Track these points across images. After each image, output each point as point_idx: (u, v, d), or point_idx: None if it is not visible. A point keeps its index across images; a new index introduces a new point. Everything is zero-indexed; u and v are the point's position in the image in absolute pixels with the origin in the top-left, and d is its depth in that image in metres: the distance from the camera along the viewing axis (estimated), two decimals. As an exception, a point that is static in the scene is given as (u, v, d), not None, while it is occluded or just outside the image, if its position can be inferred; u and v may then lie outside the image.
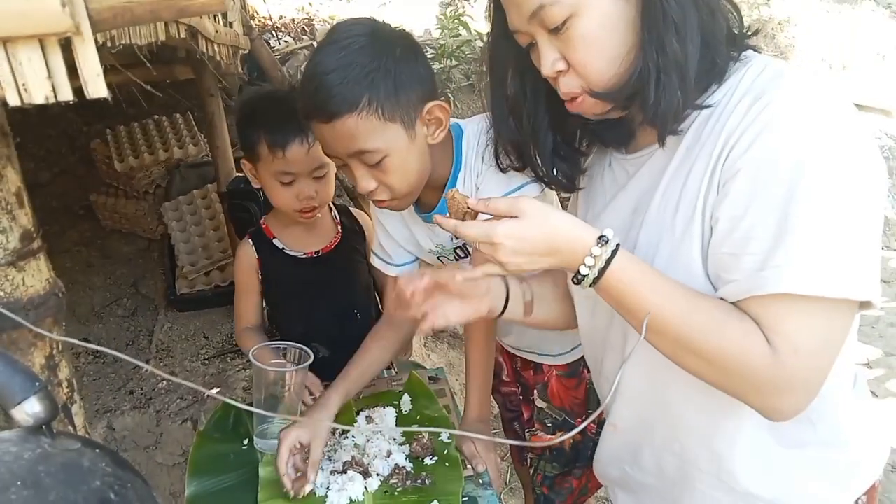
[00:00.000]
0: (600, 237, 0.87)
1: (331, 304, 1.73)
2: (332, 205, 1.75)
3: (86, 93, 0.65)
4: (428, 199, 1.39)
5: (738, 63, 0.91)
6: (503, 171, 1.24)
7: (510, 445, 2.01)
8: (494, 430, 1.84)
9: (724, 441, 0.99)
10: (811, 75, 0.86)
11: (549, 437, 1.65)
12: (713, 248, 0.87)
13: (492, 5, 1.00)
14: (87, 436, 0.91)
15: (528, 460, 1.87)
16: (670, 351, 0.90)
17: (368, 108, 1.14)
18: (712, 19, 0.89)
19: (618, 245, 0.87)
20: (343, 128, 1.15)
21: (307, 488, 1.27)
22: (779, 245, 0.80)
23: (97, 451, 0.63)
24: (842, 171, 0.79)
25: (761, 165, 0.82)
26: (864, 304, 0.83)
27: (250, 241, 1.72)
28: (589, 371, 1.62)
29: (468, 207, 0.93)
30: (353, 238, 1.76)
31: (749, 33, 0.94)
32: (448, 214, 0.96)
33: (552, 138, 1.07)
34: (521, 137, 1.10)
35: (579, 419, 1.64)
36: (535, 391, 1.68)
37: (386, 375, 1.74)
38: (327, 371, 1.64)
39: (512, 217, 0.88)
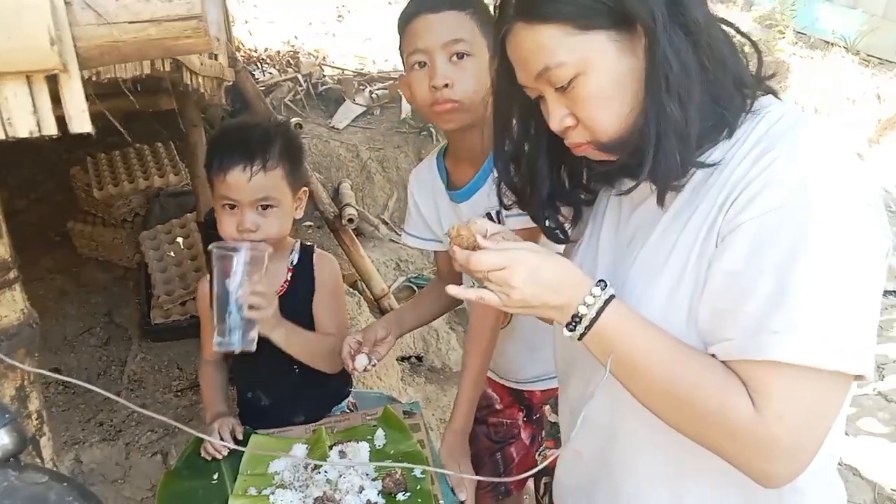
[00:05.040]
0: (600, 281, 0.89)
1: (268, 355, 1.56)
2: (303, 247, 1.65)
3: (69, 128, 0.67)
4: (460, 175, 1.47)
5: (751, 113, 0.90)
6: (507, 207, 1.21)
7: (483, 483, 1.98)
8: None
9: (684, 485, 0.99)
10: (825, 130, 0.84)
11: None
12: (708, 301, 0.86)
13: (497, 57, 0.99)
14: (55, 468, 0.90)
15: (543, 486, 1.84)
16: (652, 401, 0.90)
17: (472, 16, 1.32)
18: (723, 72, 0.87)
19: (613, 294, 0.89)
20: (445, 19, 1.31)
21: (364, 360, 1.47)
22: (776, 309, 0.79)
23: (64, 484, 0.63)
24: (845, 242, 0.78)
25: (763, 223, 0.80)
26: (857, 377, 0.81)
27: (208, 274, 1.70)
28: None
29: (476, 244, 0.91)
30: (302, 291, 1.62)
31: (767, 75, 0.93)
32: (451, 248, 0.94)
33: (549, 187, 1.07)
34: (519, 184, 1.10)
35: None
36: (547, 406, 1.67)
37: (360, 411, 1.73)
38: (262, 420, 1.64)
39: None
